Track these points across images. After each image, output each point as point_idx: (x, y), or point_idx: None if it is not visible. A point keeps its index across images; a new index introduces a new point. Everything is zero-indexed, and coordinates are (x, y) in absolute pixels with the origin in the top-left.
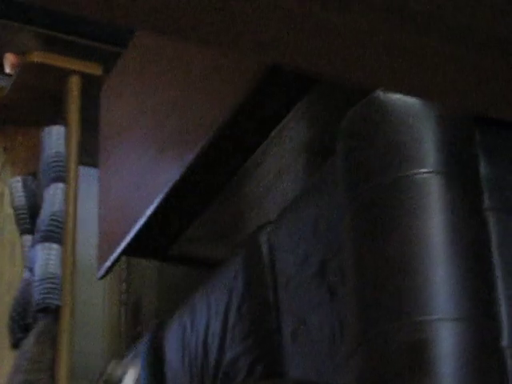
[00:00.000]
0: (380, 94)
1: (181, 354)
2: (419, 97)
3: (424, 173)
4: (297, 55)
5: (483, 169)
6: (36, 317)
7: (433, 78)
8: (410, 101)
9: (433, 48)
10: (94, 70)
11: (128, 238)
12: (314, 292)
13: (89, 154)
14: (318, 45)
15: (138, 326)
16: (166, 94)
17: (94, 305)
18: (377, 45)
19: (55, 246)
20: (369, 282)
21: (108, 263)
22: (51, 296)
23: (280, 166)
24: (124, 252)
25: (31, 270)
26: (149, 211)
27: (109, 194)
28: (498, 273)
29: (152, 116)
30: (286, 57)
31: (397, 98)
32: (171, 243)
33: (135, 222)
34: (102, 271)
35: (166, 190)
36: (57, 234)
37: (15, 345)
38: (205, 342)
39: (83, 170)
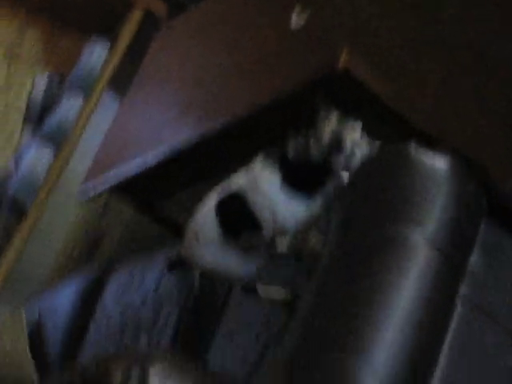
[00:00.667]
0: (413, 149)
1: (121, 303)
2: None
3: (416, 238)
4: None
5: (473, 258)
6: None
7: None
8: (438, 167)
9: None
10: (160, 10)
11: (120, 177)
12: None
13: (120, 84)
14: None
15: (89, 261)
16: (215, 62)
17: (59, 224)
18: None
19: (50, 151)
20: (322, 312)
21: (92, 192)
22: (25, 195)
23: None
24: (111, 188)
25: (17, 163)
26: (151, 161)
27: (121, 129)
28: (444, 354)
29: (192, 76)
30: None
31: (426, 159)
32: (159, 200)
33: (135, 165)
34: (83, 196)
35: (176, 148)
36: (57, 141)
37: None
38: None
39: (107, 95)
